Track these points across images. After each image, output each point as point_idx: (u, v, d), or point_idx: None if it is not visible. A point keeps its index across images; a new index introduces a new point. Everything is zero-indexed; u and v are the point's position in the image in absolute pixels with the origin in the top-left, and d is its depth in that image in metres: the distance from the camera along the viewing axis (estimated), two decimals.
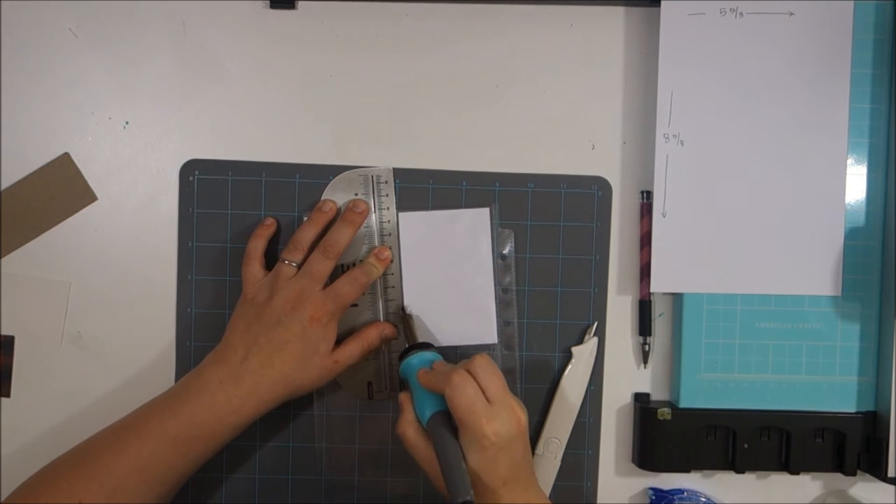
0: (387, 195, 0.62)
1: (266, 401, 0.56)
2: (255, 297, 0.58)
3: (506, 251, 0.63)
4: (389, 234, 0.62)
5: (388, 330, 0.61)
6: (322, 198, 0.62)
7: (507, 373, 0.63)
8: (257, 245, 0.60)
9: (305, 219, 0.61)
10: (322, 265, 0.58)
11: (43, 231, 0.62)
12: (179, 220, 0.63)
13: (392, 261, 0.62)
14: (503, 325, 0.63)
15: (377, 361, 0.63)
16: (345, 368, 0.59)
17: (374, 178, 0.63)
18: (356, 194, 0.62)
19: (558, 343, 0.64)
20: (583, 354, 0.63)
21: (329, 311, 0.57)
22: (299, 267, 0.59)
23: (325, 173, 0.63)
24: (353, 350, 0.59)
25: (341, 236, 0.59)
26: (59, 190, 0.62)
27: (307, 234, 0.60)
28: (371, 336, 0.60)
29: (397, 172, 0.63)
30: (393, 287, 0.62)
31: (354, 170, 0.63)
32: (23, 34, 0.62)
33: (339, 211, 0.62)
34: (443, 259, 0.63)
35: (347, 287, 0.59)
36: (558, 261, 0.64)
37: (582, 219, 0.64)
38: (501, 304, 0.63)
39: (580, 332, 0.64)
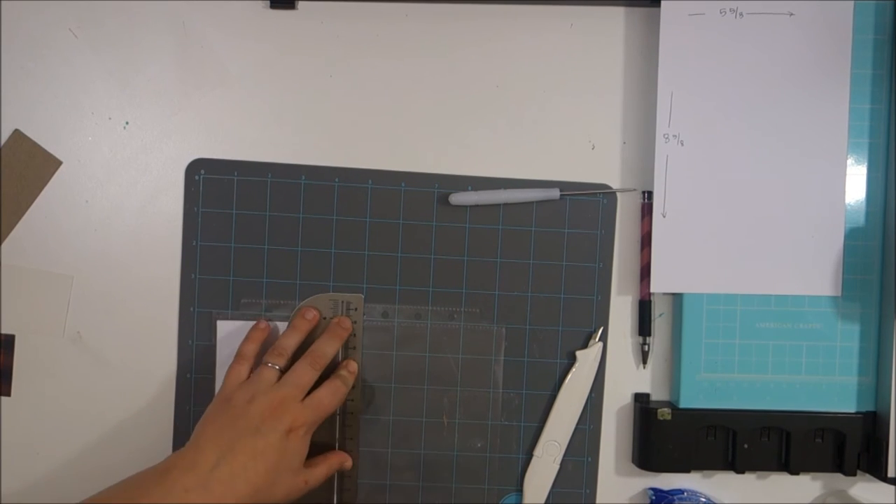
0: (355, 322, 0.62)
1: None
2: (234, 398, 0.56)
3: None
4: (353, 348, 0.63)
5: (348, 462, 0.61)
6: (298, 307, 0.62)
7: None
8: (250, 349, 0.59)
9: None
10: (308, 375, 0.57)
11: (24, 213, 0.61)
12: (184, 219, 0.63)
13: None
14: None
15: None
16: (309, 492, 0.57)
17: (344, 305, 0.63)
18: (325, 318, 0.62)
19: (560, 349, 0.64)
20: (587, 358, 0.63)
21: (308, 423, 0.56)
22: (282, 371, 0.58)
23: (331, 175, 0.63)
24: (320, 473, 0.58)
25: (329, 349, 0.59)
26: (23, 167, 0.61)
27: (291, 340, 0.59)
28: (336, 463, 0.60)
29: (401, 176, 0.63)
30: (352, 400, 0.63)
31: (326, 294, 0.63)
32: (23, 34, 0.62)
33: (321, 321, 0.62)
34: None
35: (329, 397, 0.57)
36: (562, 268, 0.64)
37: (586, 227, 0.64)
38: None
39: (583, 337, 0.64)
